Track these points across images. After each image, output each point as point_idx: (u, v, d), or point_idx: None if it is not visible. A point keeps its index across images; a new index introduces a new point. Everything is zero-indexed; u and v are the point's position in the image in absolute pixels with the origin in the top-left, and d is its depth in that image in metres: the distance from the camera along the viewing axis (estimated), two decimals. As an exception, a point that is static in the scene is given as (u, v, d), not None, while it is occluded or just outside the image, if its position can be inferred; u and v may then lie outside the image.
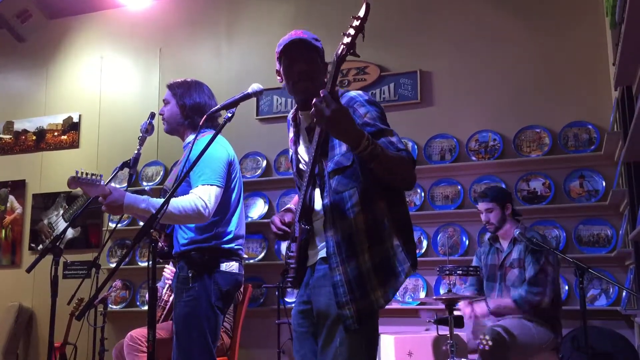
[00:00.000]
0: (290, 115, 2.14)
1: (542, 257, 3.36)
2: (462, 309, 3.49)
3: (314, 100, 1.68)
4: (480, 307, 3.44)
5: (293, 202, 2.20)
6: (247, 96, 2.12)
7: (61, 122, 6.03)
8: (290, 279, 1.99)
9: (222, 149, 2.69)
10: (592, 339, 3.75)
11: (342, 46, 1.71)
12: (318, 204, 1.92)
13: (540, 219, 4.41)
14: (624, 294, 3.88)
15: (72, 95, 6.08)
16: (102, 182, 2.47)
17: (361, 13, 1.70)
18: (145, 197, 2.46)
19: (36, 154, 6.07)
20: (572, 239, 4.30)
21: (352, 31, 1.70)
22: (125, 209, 2.41)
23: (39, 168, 6.02)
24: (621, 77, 2.80)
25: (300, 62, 1.94)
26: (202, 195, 2.50)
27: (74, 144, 5.95)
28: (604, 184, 4.28)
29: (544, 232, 4.28)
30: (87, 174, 2.48)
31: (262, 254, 5.05)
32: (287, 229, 2.02)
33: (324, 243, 1.89)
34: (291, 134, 2.12)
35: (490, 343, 3.03)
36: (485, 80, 4.76)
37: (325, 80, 1.95)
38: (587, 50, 4.52)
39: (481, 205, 3.60)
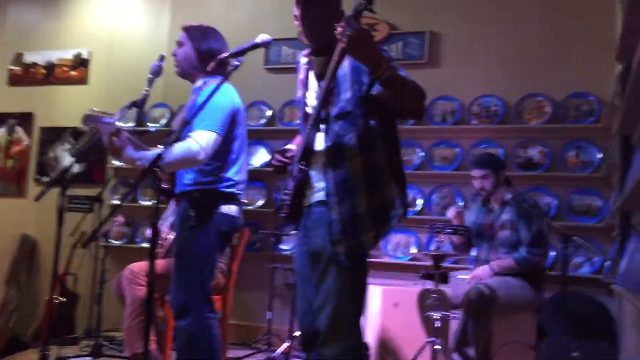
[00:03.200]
0: (300, 57, 2.19)
1: (533, 222, 3.49)
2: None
3: (339, 23, 1.74)
4: (483, 269, 3.57)
5: (295, 141, 2.28)
6: (255, 46, 2.19)
7: (71, 57, 6.07)
8: (284, 215, 2.09)
9: (227, 98, 2.74)
10: (572, 305, 3.91)
11: None
12: (319, 147, 2.00)
13: (534, 185, 4.50)
14: (606, 263, 4.02)
15: (83, 31, 6.10)
16: (114, 121, 2.55)
17: None
18: (142, 153, 2.50)
19: (45, 88, 6.13)
20: (563, 207, 4.42)
21: None
22: (124, 160, 2.51)
23: (47, 102, 6.09)
24: (623, 52, 2.84)
25: (314, 7, 2.01)
26: (200, 140, 2.55)
27: (82, 80, 6.01)
28: (599, 156, 4.36)
29: (537, 199, 4.38)
30: (100, 112, 2.56)
31: (262, 202, 5.18)
32: (287, 160, 2.10)
33: (322, 184, 1.98)
34: (301, 75, 2.17)
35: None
36: (492, 46, 4.79)
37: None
38: (596, 22, 4.53)
39: (476, 172, 3.69)
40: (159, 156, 2.13)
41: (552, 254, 4.29)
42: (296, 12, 2.07)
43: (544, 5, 4.71)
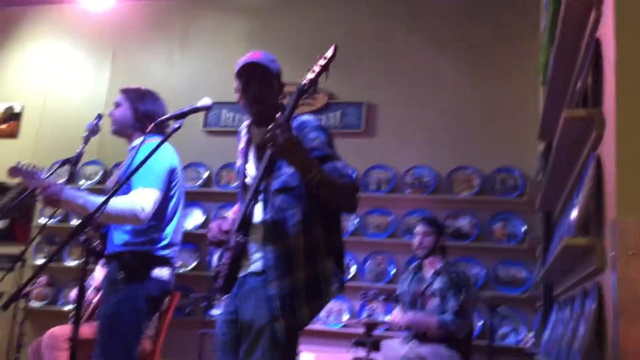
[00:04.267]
0: (243, 126, 2.22)
1: (462, 291, 3.57)
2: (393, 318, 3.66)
3: (270, 127, 1.77)
4: (400, 314, 3.60)
5: (232, 210, 2.28)
6: (196, 109, 2.21)
7: (2, 110, 5.91)
8: (219, 286, 2.06)
9: (166, 156, 2.75)
10: (499, 375, 3.97)
11: (305, 81, 1.84)
12: (257, 218, 2.01)
13: (463, 255, 4.63)
14: (530, 334, 4.13)
15: (16, 85, 5.98)
16: (41, 175, 2.50)
17: (328, 54, 1.84)
18: (82, 193, 2.49)
19: (-29, 140, 5.91)
20: (490, 278, 4.55)
21: (317, 68, 1.84)
22: (62, 203, 2.44)
23: (-28, 154, 5.85)
24: (544, 131, 3.05)
25: (254, 84, 2.04)
26: (141, 198, 2.54)
27: (12, 134, 5.84)
28: (523, 229, 4.55)
29: (465, 268, 4.51)
30: (27, 165, 2.50)
31: (193, 264, 5.08)
32: (223, 238, 2.07)
33: (259, 255, 1.98)
34: (242, 145, 2.19)
35: None
36: (426, 119, 5.01)
37: (281, 100, 2.07)
38: (521, 100, 4.82)
39: (420, 228, 3.80)
40: (108, 199, 2.06)
41: (480, 323, 4.37)
42: (236, 85, 2.10)
43: (473, 82, 4.99)
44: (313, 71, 1.84)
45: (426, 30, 5.19)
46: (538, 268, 4.16)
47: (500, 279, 4.53)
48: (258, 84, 2.04)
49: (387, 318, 3.64)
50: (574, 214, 1.98)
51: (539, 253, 4.23)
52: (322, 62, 1.84)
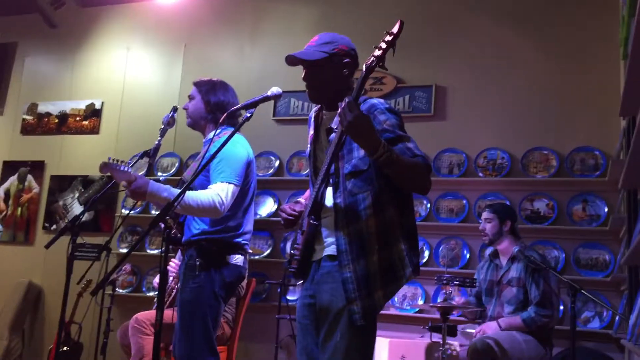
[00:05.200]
0: (312, 113, 2.24)
1: (542, 278, 3.46)
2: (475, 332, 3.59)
3: (340, 105, 1.81)
4: (489, 325, 3.53)
5: (304, 196, 2.29)
6: (266, 98, 2.25)
7: (84, 107, 6.21)
8: (293, 270, 2.09)
9: (242, 149, 2.82)
10: (581, 360, 3.84)
11: (372, 58, 1.84)
12: (329, 202, 2.02)
13: (541, 238, 4.50)
14: (617, 318, 3.97)
15: (96, 82, 6.26)
16: (129, 170, 2.62)
17: (395, 29, 1.83)
18: (167, 186, 2.59)
19: (57, 137, 6.25)
20: (570, 261, 4.40)
21: (383, 45, 1.84)
22: (148, 196, 2.54)
23: (58, 151, 6.19)
24: (626, 107, 2.90)
25: (317, 75, 2.07)
26: (220, 192, 2.63)
27: (94, 130, 6.13)
28: (606, 209, 4.37)
29: (544, 252, 4.38)
30: (116, 160, 2.63)
31: (268, 251, 5.18)
32: (296, 214, 2.10)
33: (332, 239, 1.99)
34: (312, 131, 2.21)
35: None
36: (498, 100, 4.87)
37: (351, 79, 2.07)
38: (600, 77, 4.61)
39: (483, 214, 3.75)
40: (184, 190, 2.16)
41: (561, 308, 4.24)
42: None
43: (549, 60, 4.80)
44: (380, 48, 1.84)
45: (494, 7, 5.03)
46: (622, 250, 3.99)
47: (581, 262, 4.37)
48: (321, 73, 2.06)
49: (473, 331, 3.57)
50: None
51: (623, 234, 4.05)
52: (388, 38, 1.83)
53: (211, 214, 2.65)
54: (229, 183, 2.68)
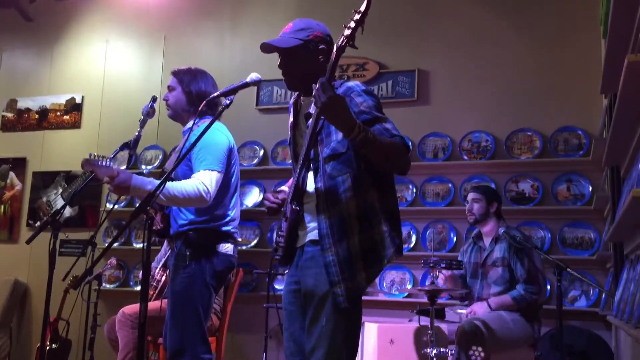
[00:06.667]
0: (292, 100, 2.24)
1: (526, 257, 3.49)
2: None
3: (314, 87, 1.80)
4: (481, 307, 3.55)
5: (287, 184, 2.29)
6: (245, 85, 2.23)
7: (64, 102, 6.13)
8: (279, 257, 2.09)
9: (222, 136, 2.80)
10: (569, 338, 3.88)
11: (342, 37, 1.83)
12: (310, 187, 2.02)
13: (526, 219, 4.52)
14: (603, 295, 4.00)
15: (76, 76, 6.17)
16: (111, 164, 2.59)
17: (362, 7, 1.83)
18: (150, 179, 2.56)
19: (38, 133, 6.16)
20: (556, 241, 4.42)
21: (352, 24, 1.82)
22: (131, 190, 2.50)
23: (40, 146, 6.11)
24: (606, 85, 2.91)
25: (280, 60, 2.09)
26: (204, 180, 2.61)
27: (75, 125, 6.05)
28: (590, 188, 4.39)
29: (530, 233, 4.40)
30: (97, 156, 2.59)
31: (255, 241, 5.16)
32: (279, 201, 2.10)
33: (314, 224, 1.99)
34: (291, 118, 2.21)
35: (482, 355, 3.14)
36: (481, 82, 4.87)
37: (325, 68, 2.06)
38: (581, 57, 4.63)
39: (470, 195, 3.76)
40: (165, 180, 2.13)
41: (548, 287, 4.27)
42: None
43: (530, 41, 4.81)
44: (349, 27, 1.83)
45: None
46: (607, 228, 4.01)
47: (567, 241, 4.40)
48: (296, 63, 2.07)
49: (464, 312, 3.59)
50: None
51: (607, 212, 4.08)
52: (357, 17, 1.82)
53: (197, 203, 2.63)
54: (212, 170, 2.66)
